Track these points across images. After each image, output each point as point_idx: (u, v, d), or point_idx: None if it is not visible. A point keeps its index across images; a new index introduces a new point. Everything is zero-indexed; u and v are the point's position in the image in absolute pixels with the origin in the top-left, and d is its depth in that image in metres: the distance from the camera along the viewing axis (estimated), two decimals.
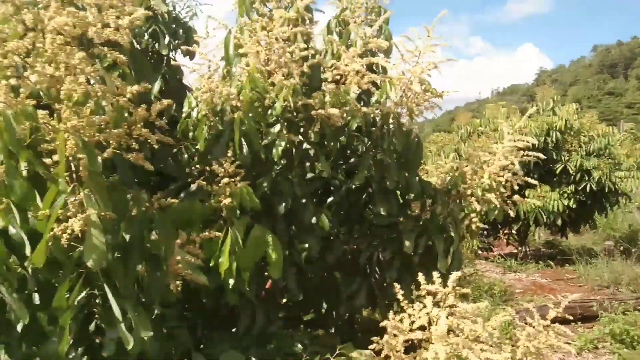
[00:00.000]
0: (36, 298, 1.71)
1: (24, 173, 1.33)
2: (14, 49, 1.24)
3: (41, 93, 1.50)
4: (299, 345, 2.60)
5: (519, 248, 10.38)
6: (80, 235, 1.41)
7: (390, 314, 1.92)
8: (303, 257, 3.17)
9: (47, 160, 1.50)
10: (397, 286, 1.95)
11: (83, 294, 1.54)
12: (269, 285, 3.00)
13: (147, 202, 1.60)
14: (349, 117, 2.41)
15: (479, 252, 9.59)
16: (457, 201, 3.08)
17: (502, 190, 3.02)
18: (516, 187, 3.01)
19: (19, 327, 1.66)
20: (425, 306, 1.83)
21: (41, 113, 1.34)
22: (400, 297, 1.91)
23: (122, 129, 1.44)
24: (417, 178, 2.97)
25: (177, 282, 1.80)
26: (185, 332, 2.17)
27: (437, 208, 2.99)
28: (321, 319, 3.52)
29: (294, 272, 2.85)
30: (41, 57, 1.27)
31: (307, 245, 3.18)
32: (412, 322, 1.84)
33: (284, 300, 3.24)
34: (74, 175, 1.34)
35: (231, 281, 2.25)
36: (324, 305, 3.42)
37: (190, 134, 2.73)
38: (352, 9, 2.91)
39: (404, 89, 2.78)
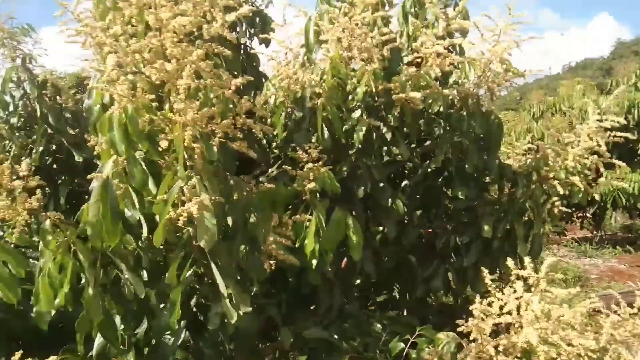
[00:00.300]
0: (144, 275, 1.87)
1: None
2: (138, 49, 1.35)
3: (140, 86, 1.62)
4: (378, 325, 2.66)
5: (594, 232, 9.89)
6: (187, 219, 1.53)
7: (477, 298, 1.93)
8: (377, 240, 3.23)
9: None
10: (485, 271, 1.95)
11: (190, 272, 1.67)
12: (342, 266, 3.07)
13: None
14: (430, 100, 2.40)
15: (551, 236, 9.24)
16: (538, 184, 3.00)
17: (587, 172, 2.91)
18: (602, 170, 2.89)
19: None
20: (515, 291, 1.83)
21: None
22: (488, 281, 1.91)
23: (228, 120, 1.53)
24: (497, 161, 2.91)
25: (271, 262, 1.90)
26: (274, 308, 2.28)
27: (517, 191, 2.93)
28: (393, 300, 3.57)
29: (370, 254, 2.90)
30: (156, 54, 1.37)
31: (381, 228, 3.23)
32: (502, 307, 1.84)
33: (357, 281, 3.32)
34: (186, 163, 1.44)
35: (314, 261, 2.33)
36: (397, 286, 3.47)
37: (268, 120, 2.82)
38: None
39: (483, 69, 2.72)
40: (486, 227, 2.85)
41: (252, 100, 3.05)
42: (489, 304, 1.89)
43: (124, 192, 1.52)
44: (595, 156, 2.86)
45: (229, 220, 1.62)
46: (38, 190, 1.66)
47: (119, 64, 1.35)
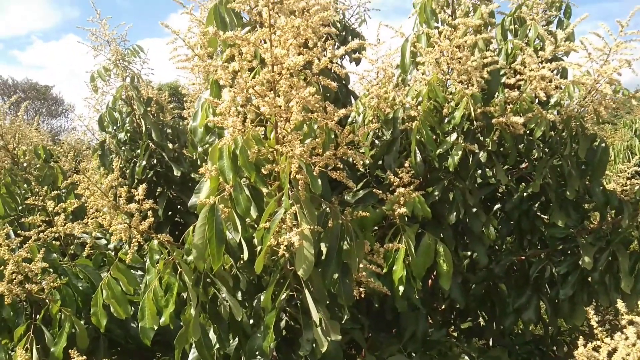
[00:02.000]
0: (238, 295, 1.92)
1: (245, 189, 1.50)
2: (253, 85, 1.39)
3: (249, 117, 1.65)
4: (466, 357, 2.55)
5: None
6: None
7: (580, 340, 1.78)
8: (464, 266, 3.10)
9: None
10: (590, 312, 1.80)
11: (284, 296, 1.69)
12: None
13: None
14: (533, 124, 2.27)
15: None
16: None
17: None
18: None
19: None
20: (627, 337, 1.67)
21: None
22: (594, 323, 1.76)
23: (330, 151, 1.54)
24: (601, 187, 2.71)
25: (361, 289, 1.88)
26: (360, 334, 2.26)
27: (623, 220, 2.70)
28: (477, 328, 3.41)
29: (459, 280, 2.79)
30: (264, 87, 1.41)
31: (469, 254, 3.10)
32: (610, 353, 1.69)
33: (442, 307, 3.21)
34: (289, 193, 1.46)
35: (401, 288, 2.27)
36: (482, 314, 3.32)
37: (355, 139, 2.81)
38: (529, 5, 2.73)
39: (589, 89, 2.55)
40: (587, 259, 2.65)
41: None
42: (596, 349, 1.73)
43: (227, 216, 1.56)
44: None
45: (322, 247, 1.62)
46: (149, 213, 1.76)
47: (233, 97, 1.40)
